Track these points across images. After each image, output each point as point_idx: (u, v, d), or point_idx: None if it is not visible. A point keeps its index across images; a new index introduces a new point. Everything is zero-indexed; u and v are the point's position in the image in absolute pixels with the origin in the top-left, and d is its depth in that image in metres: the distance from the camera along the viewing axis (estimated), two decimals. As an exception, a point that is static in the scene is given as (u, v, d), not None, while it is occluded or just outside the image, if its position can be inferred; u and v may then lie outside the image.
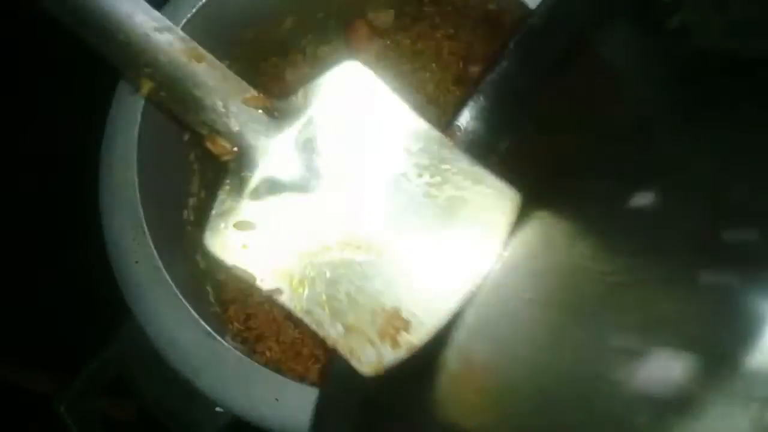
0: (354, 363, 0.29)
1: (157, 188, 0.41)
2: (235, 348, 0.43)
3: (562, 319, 0.27)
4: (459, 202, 0.29)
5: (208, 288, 0.46)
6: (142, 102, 0.40)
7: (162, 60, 0.26)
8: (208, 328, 0.37)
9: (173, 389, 0.39)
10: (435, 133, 0.29)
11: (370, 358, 0.29)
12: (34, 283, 0.59)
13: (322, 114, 0.28)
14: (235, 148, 0.27)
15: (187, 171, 0.47)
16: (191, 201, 0.47)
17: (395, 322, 0.29)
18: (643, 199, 0.27)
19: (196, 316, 0.37)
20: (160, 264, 0.38)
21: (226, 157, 0.28)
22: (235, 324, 0.46)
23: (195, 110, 0.27)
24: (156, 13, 0.27)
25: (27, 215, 0.60)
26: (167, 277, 0.38)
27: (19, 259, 0.59)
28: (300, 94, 0.28)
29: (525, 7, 0.40)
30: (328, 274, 0.29)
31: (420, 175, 0.29)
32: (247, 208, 0.28)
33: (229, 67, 0.45)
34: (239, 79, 0.28)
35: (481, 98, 0.33)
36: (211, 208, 0.28)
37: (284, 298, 0.29)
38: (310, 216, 0.29)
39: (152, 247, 0.38)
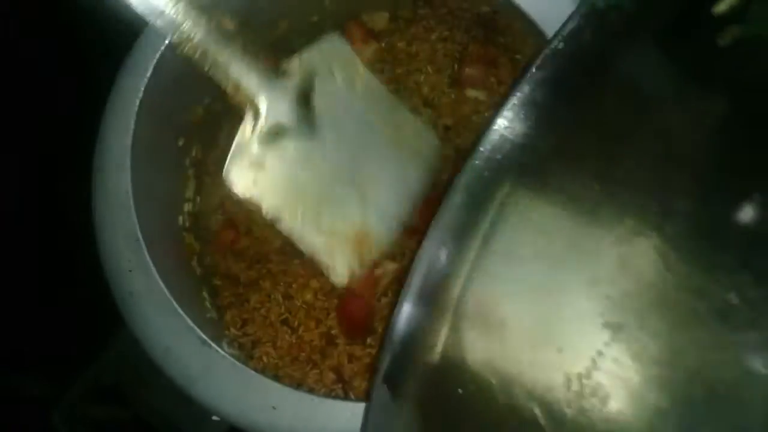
0: (331, 274, 0.39)
1: (151, 195, 0.41)
2: (232, 354, 0.43)
3: (672, 344, 0.28)
4: (406, 147, 0.40)
5: (205, 294, 0.46)
6: (136, 107, 0.40)
7: (201, 29, 0.34)
8: (204, 336, 0.37)
9: (169, 397, 0.39)
10: (389, 94, 0.41)
11: (344, 269, 0.39)
12: (29, 291, 0.59)
13: (313, 75, 0.37)
14: (252, 98, 0.36)
15: (182, 176, 0.46)
16: (186, 206, 0.47)
17: (363, 239, 0.39)
18: (745, 213, 0.27)
19: (192, 324, 0.37)
20: (154, 272, 0.38)
21: (244, 107, 0.36)
22: (232, 330, 0.46)
23: (225, 67, 0.35)
24: None
25: (20, 223, 0.60)
26: (162, 285, 0.37)
27: (13, 266, 0.59)
28: (297, 58, 0.37)
29: (518, 9, 0.40)
30: (316, 205, 0.38)
31: (380, 126, 0.39)
32: (257, 150, 0.36)
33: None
34: (255, 47, 0.36)
35: (505, 122, 0.35)
36: (231, 150, 0.36)
37: (282, 225, 0.38)
38: (304, 157, 0.37)
39: (146, 254, 0.38)
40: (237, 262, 0.48)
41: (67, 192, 0.42)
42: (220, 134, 0.49)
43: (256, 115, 0.36)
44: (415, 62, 0.49)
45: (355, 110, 0.39)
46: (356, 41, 0.48)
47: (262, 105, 0.36)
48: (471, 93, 0.48)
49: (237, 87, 0.35)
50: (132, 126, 0.39)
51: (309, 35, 0.49)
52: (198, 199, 0.48)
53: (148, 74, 0.40)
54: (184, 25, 0.33)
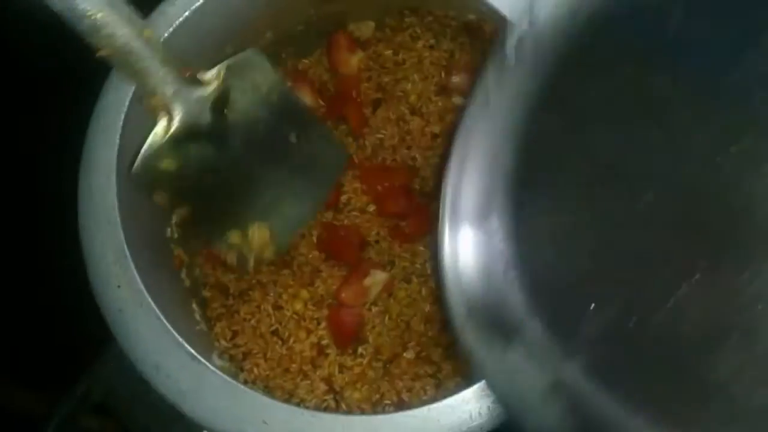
0: (231, 265, 0.44)
1: (138, 207, 0.41)
2: (222, 366, 0.43)
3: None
4: (314, 156, 0.44)
5: (194, 306, 0.46)
6: (122, 121, 0.39)
7: (118, 35, 0.35)
8: (193, 352, 0.37)
9: (160, 412, 0.39)
10: (305, 108, 0.44)
11: (246, 264, 0.44)
12: (19, 305, 0.58)
13: (230, 86, 0.39)
14: (167, 105, 0.37)
15: (169, 188, 0.46)
16: (174, 218, 0.46)
17: (263, 237, 0.43)
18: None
19: (181, 339, 0.37)
20: (142, 287, 0.38)
21: (158, 111, 0.38)
22: (222, 341, 0.46)
23: (141, 76, 0.36)
24: None
25: (8, 237, 0.59)
26: (150, 300, 0.37)
27: (1, 280, 0.58)
28: (216, 69, 0.39)
29: (503, 17, 0.40)
30: (222, 204, 0.42)
31: (290, 135, 0.42)
32: (168, 150, 0.38)
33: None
34: (172, 55, 0.37)
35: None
36: (141, 149, 0.38)
37: (191, 222, 0.41)
38: (213, 161, 0.40)
39: (134, 269, 0.38)
40: (226, 273, 0.48)
41: (56, 203, 0.42)
42: (207, 145, 0.49)
43: (170, 120, 0.38)
44: (401, 70, 0.49)
45: (269, 121, 0.41)
46: (342, 50, 0.48)
47: (176, 111, 0.37)
48: (458, 101, 0.48)
49: (153, 93, 0.37)
50: (117, 140, 0.39)
51: (295, 45, 0.49)
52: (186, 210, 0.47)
53: (133, 87, 0.39)
54: (105, 30, 0.34)
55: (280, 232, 0.45)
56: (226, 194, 0.42)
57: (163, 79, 0.37)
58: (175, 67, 0.37)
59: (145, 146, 0.38)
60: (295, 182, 0.44)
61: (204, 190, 0.41)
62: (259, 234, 0.44)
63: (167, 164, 0.39)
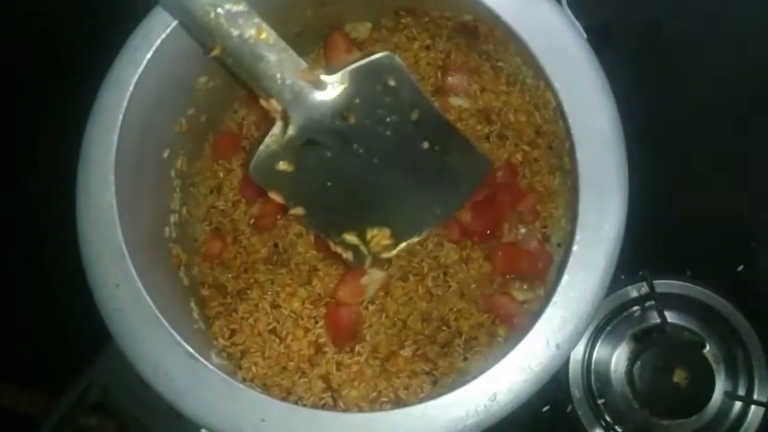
0: (348, 261, 0.42)
1: (136, 208, 0.41)
2: (221, 364, 0.43)
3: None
4: (449, 164, 0.41)
5: (192, 304, 0.46)
6: (119, 122, 0.40)
7: (233, 35, 0.33)
8: (191, 350, 0.37)
9: (156, 411, 0.39)
10: (441, 113, 0.41)
11: (360, 261, 0.42)
12: (18, 306, 0.59)
13: (355, 90, 0.36)
14: (285, 109, 0.35)
15: (167, 188, 0.46)
16: (173, 218, 0.47)
17: (381, 240, 0.42)
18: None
19: (179, 338, 0.37)
20: (140, 286, 0.38)
21: (275, 114, 0.36)
22: (220, 340, 0.46)
23: (256, 78, 0.34)
24: None
25: (7, 237, 0.60)
26: (148, 299, 0.38)
27: (1, 282, 0.58)
28: (341, 72, 0.36)
29: (499, 18, 0.40)
30: (341, 206, 0.40)
31: (423, 142, 0.40)
32: (285, 152, 0.37)
33: (207, 83, 0.46)
34: (294, 54, 0.35)
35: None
36: (259, 148, 0.37)
37: (305, 220, 0.40)
38: (333, 165, 0.38)
39: (132, 269, 0.38)
40: (224, 272, 0.48)
41: (54, 204, 0.42)
42: (204, 145, 0.49)
43: (289, 123, 0.35)
44: (398, 71, 0.49)
45: (399, 128, 0.38)
46: (339, 51, 0.49)
47: (293, 116, 0.35)
48: (454, 101, 0.48)
49: (269, 96, 0.35)
50: (115, 141, 0.39)
51: (293, 46, 0.49)
52: (184, 209, 0.48)
53: (131, 89, 0.39)
54: (217, 30, 0.32)
55: (402, 235, 0.43)
56: (345, 197, 0.40)
57: (279, 83, 0.34)
58: (295, 70, 0.35)
59: (262, 146, 0.36)
60: (425, 189, 0.41)
61: (322, 192, 0.39)
62: (379, 238, 0.42)
63: (284, 166, 0.37)
